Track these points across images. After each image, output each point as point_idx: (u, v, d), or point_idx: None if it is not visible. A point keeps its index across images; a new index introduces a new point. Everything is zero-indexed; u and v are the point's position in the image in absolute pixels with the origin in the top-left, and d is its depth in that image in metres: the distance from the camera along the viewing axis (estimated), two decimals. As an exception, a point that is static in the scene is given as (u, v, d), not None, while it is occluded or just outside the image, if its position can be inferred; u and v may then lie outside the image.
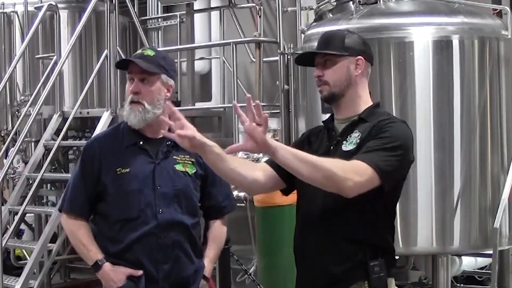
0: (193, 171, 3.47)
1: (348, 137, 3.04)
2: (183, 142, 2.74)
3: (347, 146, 3.01)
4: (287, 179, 3.09)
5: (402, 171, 3.02)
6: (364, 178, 2.85)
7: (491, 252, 4.71)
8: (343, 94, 3.08)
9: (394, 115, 4.51)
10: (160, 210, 3.38)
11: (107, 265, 3.40)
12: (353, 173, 2.84)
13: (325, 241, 3.03)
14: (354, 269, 3.00)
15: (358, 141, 3.00)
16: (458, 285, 6.21)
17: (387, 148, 2.92)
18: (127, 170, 3.40)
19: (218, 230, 3.65)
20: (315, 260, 3.07)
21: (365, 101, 3.12)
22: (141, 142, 3.44)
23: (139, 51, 3.49)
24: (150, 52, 3.45)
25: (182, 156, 3.45)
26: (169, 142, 3.43)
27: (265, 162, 3.18)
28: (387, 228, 3.12)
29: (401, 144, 2.96)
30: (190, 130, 2.76)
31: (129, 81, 3.40)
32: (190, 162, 3.47)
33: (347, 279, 3.01)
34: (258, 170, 3.08)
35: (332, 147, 3.06)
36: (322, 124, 3.23)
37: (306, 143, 3.18)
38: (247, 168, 3.03)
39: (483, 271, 6.21)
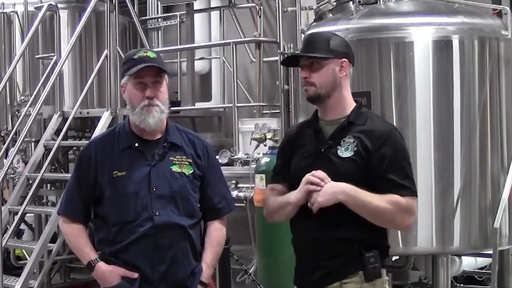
0: (190, 172, 3.45)
1: (342, 141, 3.11)
2: None
3: (343, 153, 3.09)
4: (290, 187, 3.21)
5: None
6: (415, 213, 3.11)
7: (491, 252, 4.71)
8: (329, 96, 3.15)
9: (394, 115, 4.57)
10: (157, 212, 3.36)
11: (100, 265, 3.38)
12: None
13: (321, 238, 3.11)
14: (349, 262, 3.08)
15: (355, 148, 3.08)
16: (458, 285, 6.20)
17: (410, 172, 3.14)
18: (123, 173, 3.39)
19: (215, 233, 3.57)
20: (311, 254, 3.14)
21: (349, 102, 3.21)
22: (136, 144, 3.43)
23: (141, 54, 3.40)
24: (153, 54, 3.43)
25: (179, 157, 3.44)
26: (166, 144, 3.43)
27: (272, 181, 3.33)
28: (381, 228, 3.19)
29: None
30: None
31: (138, 85, 3.34)
32: (187, 163, 3.45)
33: (344, 271, 3.09)
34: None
35: (323, 150, 3.12)
36: (297, 124, 3.35)
37: (288, 146, 3.29)
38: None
39: (483, 271, 6.20)
